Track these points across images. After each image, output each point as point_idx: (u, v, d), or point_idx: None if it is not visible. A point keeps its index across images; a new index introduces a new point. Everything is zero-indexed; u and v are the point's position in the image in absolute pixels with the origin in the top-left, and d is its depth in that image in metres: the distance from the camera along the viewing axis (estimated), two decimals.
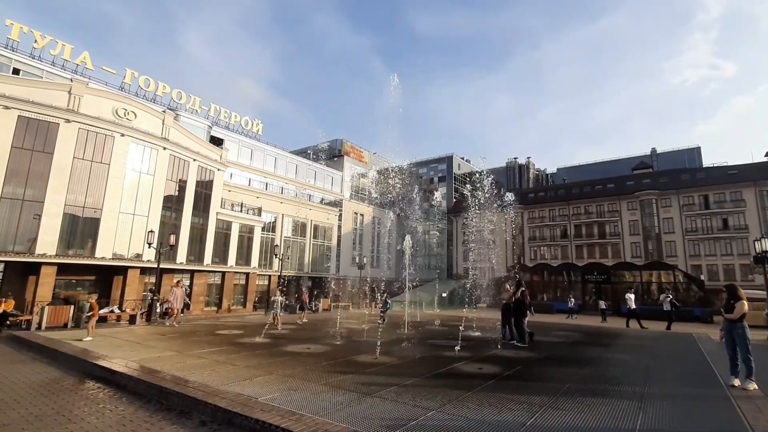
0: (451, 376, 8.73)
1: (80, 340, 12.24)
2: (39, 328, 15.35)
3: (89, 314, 13.59)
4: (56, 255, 22.85)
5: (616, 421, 5.88)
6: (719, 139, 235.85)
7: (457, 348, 11.79)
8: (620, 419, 5.95)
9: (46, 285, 22.13)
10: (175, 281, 21.79)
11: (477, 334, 16.31)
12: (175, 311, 18.01)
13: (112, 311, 18.59)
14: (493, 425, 5.50)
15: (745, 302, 8.20)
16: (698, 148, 75.60)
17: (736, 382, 8.04)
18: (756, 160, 53.71)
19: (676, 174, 55.62)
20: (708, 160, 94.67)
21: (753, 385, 7.79)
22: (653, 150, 79.73)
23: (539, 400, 6.78)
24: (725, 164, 54.99)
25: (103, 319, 14.69)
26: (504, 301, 14.21)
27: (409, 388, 7.42)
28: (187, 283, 30.52)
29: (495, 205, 54.48)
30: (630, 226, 54.00)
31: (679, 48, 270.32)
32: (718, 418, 6.18)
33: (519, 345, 12.88)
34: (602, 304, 28.62)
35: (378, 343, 11.38)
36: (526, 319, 13.41)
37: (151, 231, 22.91)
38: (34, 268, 22.30)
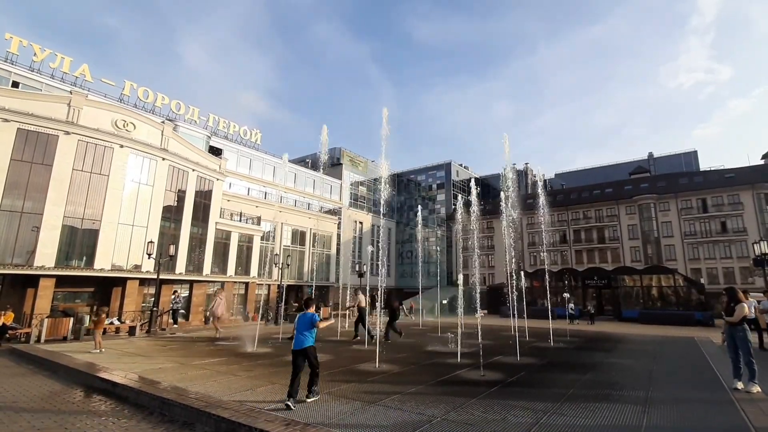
0: (454, 383, 8.72)
1: (89, 352, 12.27)
2: (38, 340, 15.24)
3: (94, 322, 13.55)
4: (55, 267, 22.74)
5: (621, 425, 5.89)
6: (716, 142, 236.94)
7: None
8: (625, 423, 5.97)
9: (44, 297, 22.01)
10: (217, 289, 21.50)
11: (479, 341, 16.23)
12: (218, 318, 17.91)
13: (111, 323, 18.48)
14: (498, 431, 5.50)
15: (746, 305, 8.21)
16: (695, 152, 75.81)
17: (740, 385, 8.03)
18: (753, 163, 53.94)
19: (673, 178, 55.75)
20: (705, 164, 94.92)
21: (756, 388, 7.79)
22: (650, 154, 79.92)
23: (543, 406, 6.79)
24: (722, 168, 55.15)
25: (101, 331, 14.61)
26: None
27: (412, 395, 7.41)
28: (186, 293, 30.44)
29: (494, 211, 54.51)
30: (629, 231, 54.05)
31: (674, 52, 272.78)
32: (722, 421, 6.17)
33: (388, 341, 15.60)
34: (590, 308, 30.83)
35: (380, 352, 11.33)
36: (395, 321, 16.86)
37: (151, 242, 22.86)
38: (33, 281, 22.18)
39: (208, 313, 18.46)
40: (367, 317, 16.36)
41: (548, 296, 25.50)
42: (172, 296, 26.54)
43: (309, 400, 6.88)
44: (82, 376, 9.16)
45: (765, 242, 17.02)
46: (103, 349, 12.71)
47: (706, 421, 6.15)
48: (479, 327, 18.10)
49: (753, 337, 9.03)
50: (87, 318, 18.22)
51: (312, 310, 7.39)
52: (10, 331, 15.93)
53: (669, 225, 51.61)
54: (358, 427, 5.60)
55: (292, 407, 6.33)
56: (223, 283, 30.04)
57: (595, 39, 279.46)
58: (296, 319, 7.36)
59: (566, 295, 27.12)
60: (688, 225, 50.51)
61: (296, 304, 17.98)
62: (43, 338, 15.38)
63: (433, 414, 6.23)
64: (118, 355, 12.07)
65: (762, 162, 52.77)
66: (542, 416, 6.20)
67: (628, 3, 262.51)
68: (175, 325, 22.32)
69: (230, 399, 6.86)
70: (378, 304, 15.48)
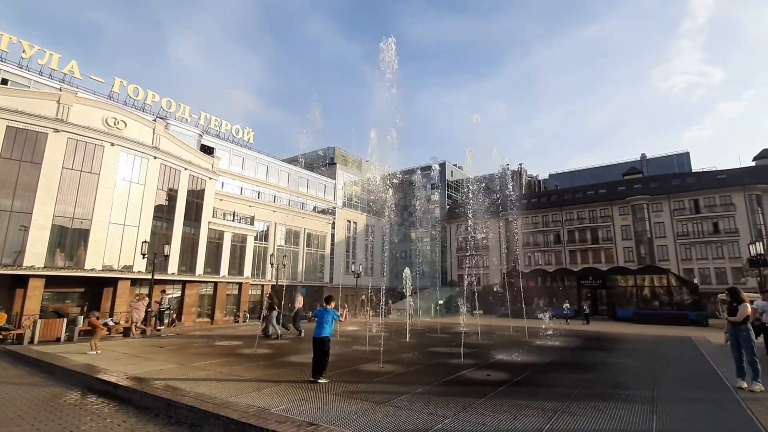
0: (461, 383, 8.67)
1: (85, 353, 12.06)
2: (31, 342, 14.92)
3: (86, 328, 13.34)
4: (44, 267, 22.33)
5: (632, 424, 5.88)
6: (708, 144, 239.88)
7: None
8: (635, 422, 5.95)
9: (34, 298, 21.60)
10: (136, 296, 21.81)
11: (479, 341, 16.27)
12: (136, 324, 18.31)
13: (105, 323, 18.14)
14: (511, 431, 5.46)
15: (748, 305, 8.25)
16: (687, 154, 76.76)
17: (744, 384, 8.07)
18: (744, 165, 54.71)
19: (666, 179, 56.36)
20: (697, 165, 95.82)
21: (760, 387, 7.83)
22: (643, 156, 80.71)
23: (551, 405, 6.77)
24: (714, 169, 55.86)
25: (90, 332, 14.27)
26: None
27: (420, 396, 7.34)
28: (178, 294, 30.10)
29: (489, 211, 54.74)
30: (622, 231, 54.55)
31: (667, 55, 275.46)
32: (731, 420, 6.20)
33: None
34: (586, 308, 31.39)
35: (382, 352, 11.25)
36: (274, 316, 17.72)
37: (145, 241, 22.54)
38: (22, 281, 21.76)
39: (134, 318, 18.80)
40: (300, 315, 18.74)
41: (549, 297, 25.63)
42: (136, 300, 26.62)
43: (320, 381, 8.25)
44: (81, 377, 8.95)
45: (760, 243, 17.23)
46: (99, 351, 12.45)
47: (715, 421, 6.16)
48: (478, 327, 18.24)
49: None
50: (81, 319, 17.88)
51: (332, 306, 8.89)
52: (2, 332, 15.58)
53: (662, 226, 52.17)
54: (370, 427, 5.51)
55: (319, 381, 8.22)
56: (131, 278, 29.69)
57: (588, 40, 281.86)
58: (318, 313, 8.92)
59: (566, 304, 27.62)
60: (681, 226, 51.10)
61: (268, 301, 18.54)
62: (36, 339, 15.05)
63: (443, 414, 6.18)
64: (116, 356, 11.82)
65: (753, 163, 53.52)
66: (552, 416, 6.17)
67: (621, 5, 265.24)
68: (161, 327, 22.06)
69: (237, 400, 6.73)
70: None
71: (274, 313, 17.49)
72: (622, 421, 6.01)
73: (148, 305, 20.50)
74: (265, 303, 19.16)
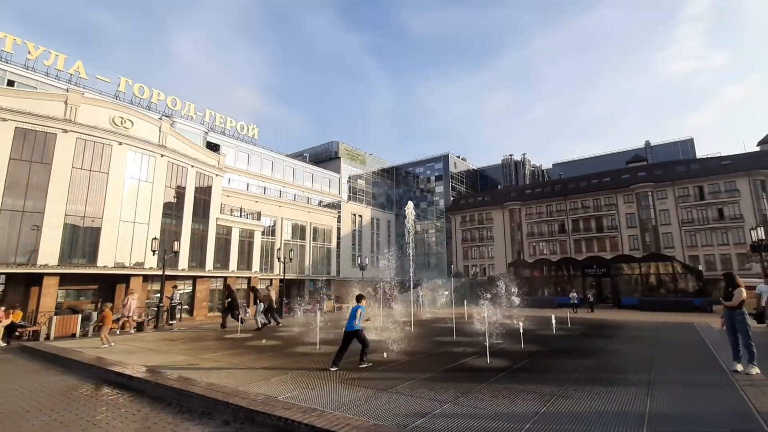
0: (462, 370, 8.93)
1: (100, 348, 12.43)
2: (47, 338, 15.39)
3: (99, 323, 13.70)
4: (58, 265, 22.84)
5: (626, 406, 6.09)
6: (711, 129, 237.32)
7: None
8: (630, 405, 6.16)
9: (49, 295, 22.11)
10: (128, 291, 21.81)
11: (481, 330, 16.45)
12: (128, 321, 18.09)
13: (118, 319, 18.60)
14: (507, 414, 5.69)
15: (744, 289, 8.37)
16: (691, 140, 76.18)
17: (739, 367, 8.23)
18: (748, 150, 54.12)
19: (670, 166, 55.93)
20: (701, 151, 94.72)
21: (755, 370, 7.97)
22: (647, 143, 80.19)
23: (550, 390, 6.98)
24: (718, 155, 55.33)
25: (101, 326, 14.61)
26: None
27: (422, 382, 7.60)
28: (189, 289, 30.63)
29: (493, 202, 54.62)
30: (627, 219, 54.31)
31: (668, 40, 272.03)
32: (724, 401, 6.37)
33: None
34: (590, 297, 31.03)
35: (386, 342, 11.53)
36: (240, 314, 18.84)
37: (155, 238, 22.96)
38: (37, 279, 22.28)
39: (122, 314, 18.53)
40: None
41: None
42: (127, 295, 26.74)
43: (362, 366, 9.04)
44: (96, 370, 9.32)
45: (762, 228, 17.22)
46: (113, 344, 12.84)
47: (708, 403, 6.33)
48: (482, 317, 18.39)
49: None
50: (95, 315, 18.33)
51: (363, 303, 9.59)
52: (18, 330, 16.07)
53: (666, 213, 51.88)
54: (373, 412, 5.76)
55: (332, 370, 8.75)
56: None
57: (588, 27, 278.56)
58: (353, 310, 9.53)
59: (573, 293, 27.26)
60: (686, 212, 50.78)
61: (228, 299, 19.15)
62: (52, 336, 15.52)
63: (444, 399, 6.43)
64: (130, 350, 12.22)
65: (758, 148, 52.93)
66: (550, 399, 6.39)
67: None
68: (172, 321, 22.47)
69: (246, 389, 7.04)
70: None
71: (261, 306, 18.65)
72: (617, 404, 6.22)
73: (160, 300, 20.97)
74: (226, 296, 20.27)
